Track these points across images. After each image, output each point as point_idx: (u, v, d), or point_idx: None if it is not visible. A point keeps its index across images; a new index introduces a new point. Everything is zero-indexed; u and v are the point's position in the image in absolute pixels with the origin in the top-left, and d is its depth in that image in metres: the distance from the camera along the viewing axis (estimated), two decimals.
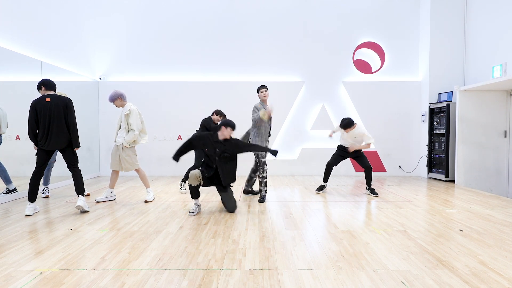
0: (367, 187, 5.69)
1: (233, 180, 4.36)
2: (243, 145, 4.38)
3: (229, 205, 4.37)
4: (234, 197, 4.56)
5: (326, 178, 5.90)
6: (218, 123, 5.90)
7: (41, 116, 4.20)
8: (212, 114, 5.97)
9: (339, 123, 5.62)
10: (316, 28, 8.13)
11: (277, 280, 2.41)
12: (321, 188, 5.88)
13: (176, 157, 4.31)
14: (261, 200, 5.06)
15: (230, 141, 4.27)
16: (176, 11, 8.13)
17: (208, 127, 5.80)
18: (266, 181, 5.09)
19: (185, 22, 8.13)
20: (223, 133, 4.19)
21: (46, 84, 4.34)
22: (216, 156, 4.19)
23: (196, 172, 4.18)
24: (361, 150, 5.72)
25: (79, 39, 7.66)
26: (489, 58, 6.81)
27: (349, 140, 5.67)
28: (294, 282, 2.38)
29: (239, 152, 4.37)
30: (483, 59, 7.04)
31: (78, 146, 4.44)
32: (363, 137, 5.53)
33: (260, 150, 4.47)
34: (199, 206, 4.37)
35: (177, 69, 8.21)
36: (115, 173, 5.04)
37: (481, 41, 7.09)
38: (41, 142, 4.22)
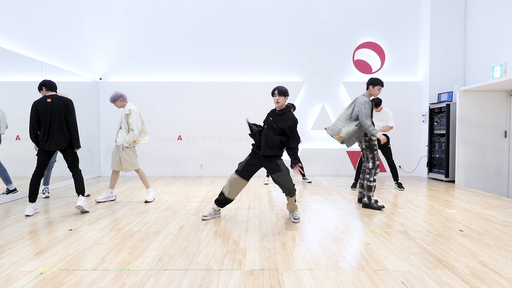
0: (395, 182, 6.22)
1: (271, 151, 3.78)
2: (289, 128, 3.82)
3: (285, 185, 3.82)
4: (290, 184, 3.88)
5: (357, 176, 6.17)
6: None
7: (42, 116, 4.21)
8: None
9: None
10: (316, 28, 8.13)
11: (277, 281, 2.41)
12: (354, 184, 6.27)
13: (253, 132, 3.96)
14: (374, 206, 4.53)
15: (285, 115, 3.88)
16: (176, 12, 8.13)
17: None
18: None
19: (185, 22, 8.13)
20: (278, 102, 3.87)
21: (47, 85, 4.36)
22: (266, 124, 3.89)
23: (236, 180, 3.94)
24: (388, 143, 5.92)
25: (79, 39, 7.66)
26: (489, 58, 6.80)
27: (378, 123, 5.88)
28: (294, 282, 2.38)
29: (283, 131, 3.84)
30: (483, 59, 7.04)
31: (78, 146, 4.45)
32: (388, 120, 5.83)
33: (294, 147, 3.88)
34: (215, 211, 4.11)
35: (177, 69, 8.21)
36: (116, 173, 5.04)
37: (481, 41, 7.09)
38: (42, 143, 4.23)
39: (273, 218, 4.14)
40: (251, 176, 3.99)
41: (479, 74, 7.11)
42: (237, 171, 3.94)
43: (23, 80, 5.79)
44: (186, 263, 2.71)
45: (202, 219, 4.01)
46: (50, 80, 4.41)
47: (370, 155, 4.48)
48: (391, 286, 2.32)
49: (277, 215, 4.29)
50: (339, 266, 2.66)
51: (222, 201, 4.06)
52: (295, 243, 3.19)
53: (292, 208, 4.05)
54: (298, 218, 4.02)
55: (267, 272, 2.55)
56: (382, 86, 4.55)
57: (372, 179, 4.47)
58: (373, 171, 4.48)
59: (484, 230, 3.59)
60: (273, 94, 3.91)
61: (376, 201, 4.60)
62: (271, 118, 3.89)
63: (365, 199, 4.57)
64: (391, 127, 5.86)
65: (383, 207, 4.53)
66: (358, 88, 7.98)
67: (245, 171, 3.92)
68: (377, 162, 4.52)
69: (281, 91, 3.86)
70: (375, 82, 4.51)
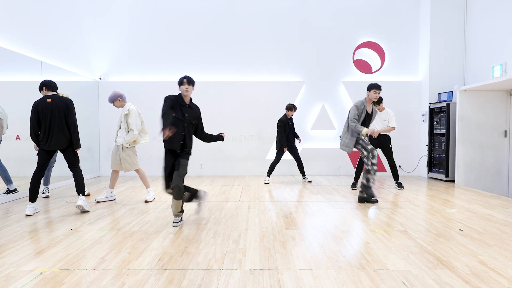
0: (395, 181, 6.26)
1: (190, 149, 3.86)
2: (199, 119, 3.95)
3: (176, 183, 3.64)
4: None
5: (357, 176, 6.24)
6: (292, 117, 6.85)
7: (43, 116, 4.23)
8: (286, 111, 6.75)
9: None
10: (316, 28, 8.13)
11: (277, 280, 2.41)
12: (354, 184, 6.31)
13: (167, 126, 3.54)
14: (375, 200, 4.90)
15: (192, 107, 3.88)
16: (176, 12, 8.13)
17: (286, 123, 6.66)
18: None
19: (185, 22, 8.13)
20: (187, 91, 3.75)
21: (48, 85, 4.38)
22: (186, 123, 3.73)
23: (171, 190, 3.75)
24: (390, 144, 6.03)
25: (79, 39, 7.66)
26: (489, 58, 6.80)
27: (380, 124, 5.95)
28: (294, 282, 2.38)
29: (197, 125, 3.95)
30: (483, 59, 7.04)
31: (79, 146, 4.46)
32: (390, 120, 5.88)
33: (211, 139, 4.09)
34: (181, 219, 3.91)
35: (177, 69, 8.20)
36: (115, 173, 5.05)
37: (481, 41, 7.09)
38: (42, 142, 4.24)
39: (273, 217, 4.14)
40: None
41: (479, 73, 7.11)
42: (167, 187, 3.76)
43: (23, 80, 5.79)
44: (186, 263, 2.71)
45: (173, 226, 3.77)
46: (50, 80, 4.43)
47: (358, 146, 4.87)
48: (391, 286, 2.32)
49: (277, 214, 4.29)
50: (339, 265, 2.66)
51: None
52: (295, 243, 3.20)
53: (175, 209, 3.76)
54: (178, 222, 3.77)
55: (267, 271, 2.56)
56: (378, 89, 4.89)
57: (369, 163, 4.76)
58: (370, 155, 4.77)
59: (484, 230, 3.59)
60: (182, 83, 3.76)
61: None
62: (187, 115, 3.74)
63: (364, 180, 4.80)
64: (394, 128, 5.86)
65: (377, 201, 4.74)
66: (358, 87, 7.99)
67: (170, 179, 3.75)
68: (369, 147, 4.82)
69: (191, 80, 3.78)
70: (369, 87, 4.93)
